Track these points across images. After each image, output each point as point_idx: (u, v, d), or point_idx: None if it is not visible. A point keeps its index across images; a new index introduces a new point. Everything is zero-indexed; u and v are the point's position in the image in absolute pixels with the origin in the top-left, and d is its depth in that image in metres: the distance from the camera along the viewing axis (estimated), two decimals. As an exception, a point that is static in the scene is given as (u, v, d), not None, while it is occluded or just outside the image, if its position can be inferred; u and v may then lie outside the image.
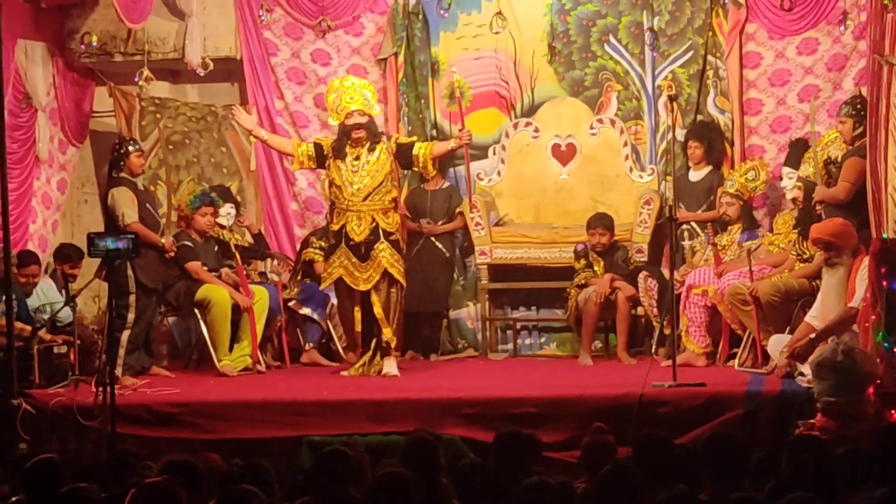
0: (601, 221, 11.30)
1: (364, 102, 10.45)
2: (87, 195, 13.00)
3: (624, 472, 5.50)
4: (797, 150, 10.93)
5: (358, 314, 10.59)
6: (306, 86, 12.46)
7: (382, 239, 10.41)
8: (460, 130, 10.72)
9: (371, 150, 10.46)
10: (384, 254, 10.40)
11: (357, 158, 10.44)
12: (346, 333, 11.05)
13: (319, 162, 10.65)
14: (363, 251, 10.41)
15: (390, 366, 10.46)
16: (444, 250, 11.88)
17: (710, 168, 11.56)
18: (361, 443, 8.08)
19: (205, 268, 11.12)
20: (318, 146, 10.66)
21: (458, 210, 11.88)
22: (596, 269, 11.30)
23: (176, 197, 11.91)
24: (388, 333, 10.46)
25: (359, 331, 10.65)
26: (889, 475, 5.69)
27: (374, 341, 10.56)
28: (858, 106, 10.16)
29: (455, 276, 12.14)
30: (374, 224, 10.40)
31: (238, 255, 11.34)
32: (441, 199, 11.92)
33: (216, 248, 11.41)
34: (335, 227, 10.54)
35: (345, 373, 10.69)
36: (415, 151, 10.54)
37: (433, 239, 11.84)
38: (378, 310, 10.44)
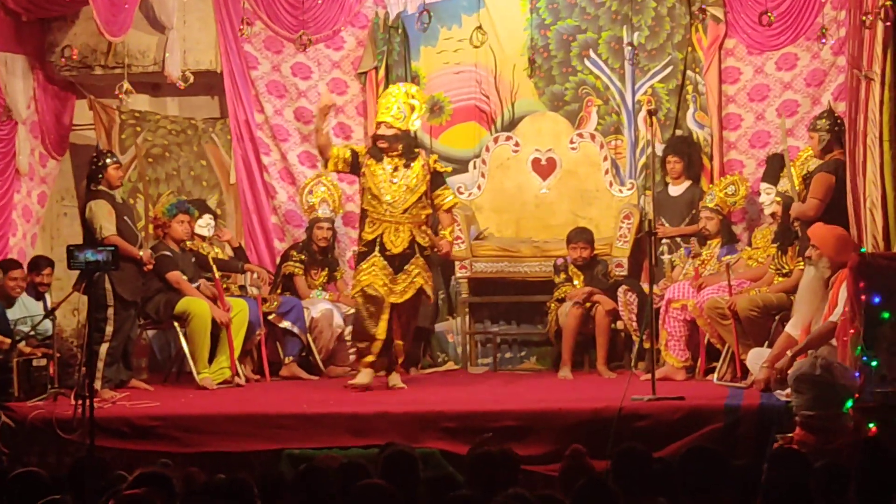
0: (582, 236, 11.33)
1: (395, 115, 10.33)
2: (66, 208, 12.99)
3: (599, 486, 5.51)
4: (774, 166, 10.97)
5: (384, 324, 10.37)
6: (286, 99, 12.47)
7: (418, 254, 10.36)
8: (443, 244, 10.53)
9: (407, 165, 10.33)
10: (419, 270, 10.36)
11: (395, 169, 10.33)
12: (359, 339, 10.64)
13: (354, 168, 10.49)
14: (398, 263, 10.33)
15: (397, 380, 10.48)
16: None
17: (689, 182, 11.60)
18: (341, 456, 8.07)
19: (184, 278, 11.10)
20: (354, 153, 10.52)
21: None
22: (576, 283, 11.32)
23: (153, 209, 11.91)
24: (399, 346, 10.48)
25: (381, 338, 10.40)
26: (868, 490, 5.72)
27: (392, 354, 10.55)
28: (825, 119, 10.14)
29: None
30: (411, 237, 10.32)
31: (215, 268, 11.33)
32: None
33: (193, 260, 11.39)
34: (369, 237, 10.37)
35: (351, 382, 10.51)
36: (438, 193, 10.44)
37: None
38: (403, 321, 10.47)
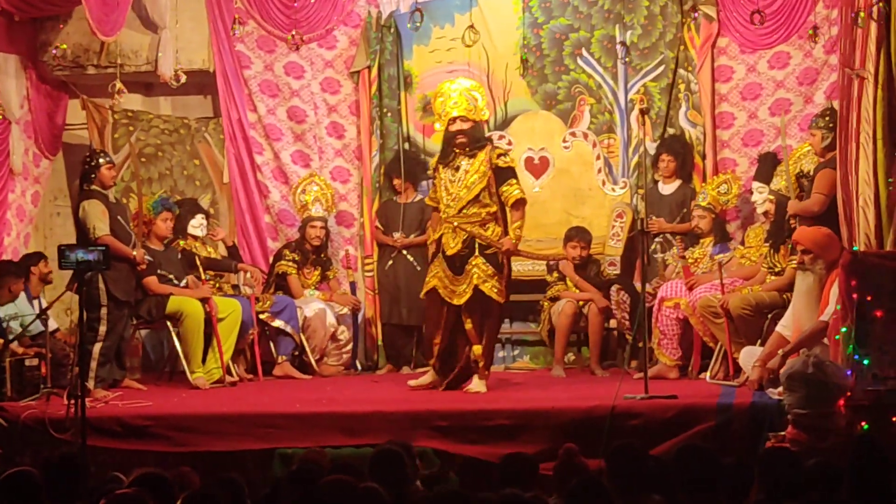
0: (582, 235, 11.34)
1: (468, 107, 10.15)
2: (59, 207, 12.98)
3: (594, 485, 5.51)
4: (767, 164, 10.99)
5: (443, 327, 10.21)
6: (279, 98, 12.47)
7: (478, 253, 10.02)
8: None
9: (471, 156, 10.09)
10: (478, 269, 10.01)
11: (457, 169, 10.11)
12: (426, 341, 10.60)
13: None
14: (458, 265, 10.06)
15: (477, 384, 10.17)
16: (415, 263, 11.88)
17: (680, 182, 11.61)
18: (333, 455, 8.07)
19: (170, 275, 11.10)
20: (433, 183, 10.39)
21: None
22: (568, 282, 11.32)
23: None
24: (477, 351, 10.15)
25: (437, 342, 10.27)
26: (861, 487, 5.73)
27: (462, 359, 10.27)
28: (828, 118, 10.21)
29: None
30: (468, 238, 10.02)
31: (202, 268, 11.32)
32: (413, 212, 11.93)
33: (179, 257, 11.38)
34: (435, 237, 10.30)
35: (413, 382, 10.46)
36: (503, 189, 10.05)
37: (405, 252, 11.85)
38: (469, 326, 10.13)
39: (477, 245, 10.01)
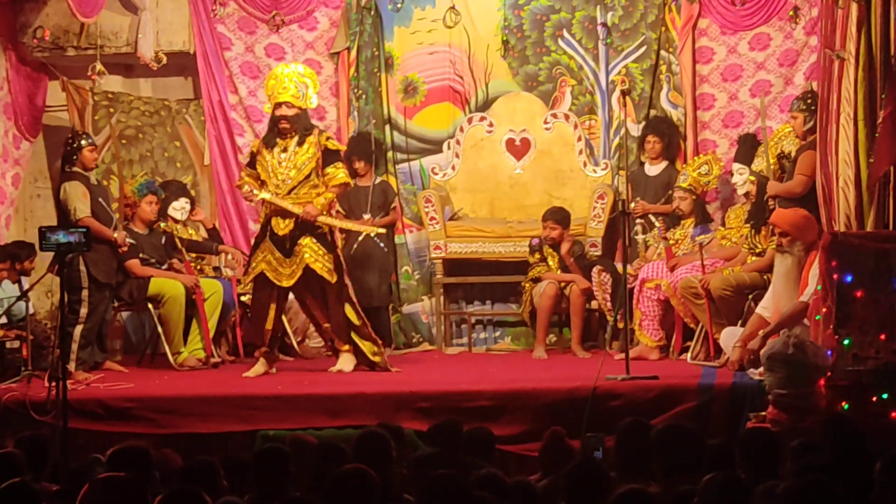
0: (553, 215, 11.33)
1: (294, 94, 10.23)
2: (39, 190, 12.94)
3: (592, 469, 5.53)
4: (746, 146, 11.02)
5: (272, 311, 10.33)
6: (260, 80, 12.40)
7: (307, 233, 10.17)
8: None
9: (300, 143, 10.22)
10: (308, 249, 10.15)
11: (284, 150, 10.22)
12: (255, 328, 10.61)
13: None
14: (287, 246, 10.18)
15: (342, 363, 10.36)
16: (382, 245, 11.86)
17: (666, 163, 11.63)
18: (316, 437, 8.08)
19: (152, 260, 11.09)
20: (251, 160, 10.47)
21: (392, 205, 11.91)
22: (550, 263, 11.33)
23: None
24: (326, 329, 10.43)
25: (269, 328, 10.35)
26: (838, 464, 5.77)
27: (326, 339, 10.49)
28: (809, 100, 10.25)
29: (408, 269, 12.17)
30: (297, 218, 10.14)
31: (184, 250, 11.31)
32: (377, 194, 11.88)
33: (163, 240, 11.37)
34: (262, 220, 10.35)
35: (248, 373, 10.37)
36: (329, 170, 10.23)
37: (372, 234, 11.78)
38: (309, 307, 10.38)
39: (306, 225, 10.13)
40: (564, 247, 11.26)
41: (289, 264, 10.18)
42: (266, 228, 10.29)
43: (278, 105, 10.22)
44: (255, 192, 10.14)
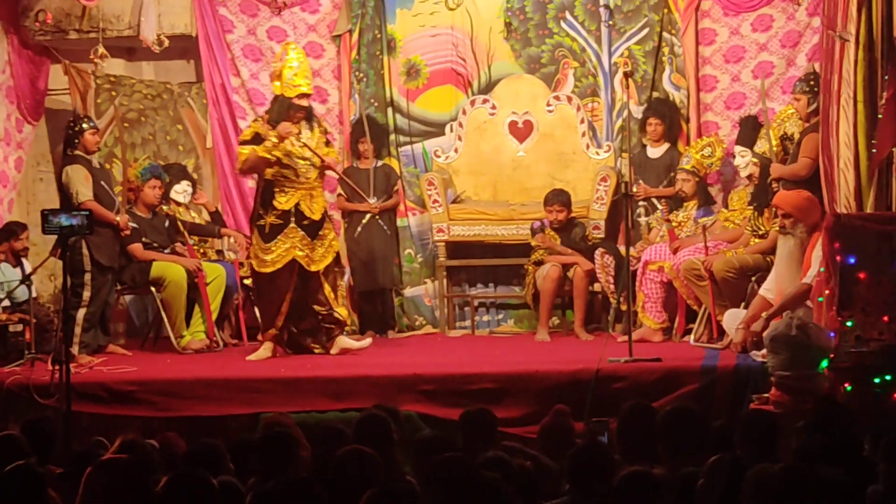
0: (558, 198, 11.32)
1: (311, 84, 10.46)
2: (42, 173, 12.93)
3: (597, 451, 5.53)
4: (748, 128, 11.00)
5: (288, 296, 10.37)
6: (262, 63, 12.41)
7: (327, 219, 10.47)
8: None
9: (311, 129, 10.40)
10: (332, 233, 10.49)
11: (299, 134, 10.31)
12: (267, 315, 10.57)
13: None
14: (315, 231, 10.31)
15: (349, 342, 10.48)
16: (386, 228, 11.84)
17: (668, 145, 11.61)
18: (319, 419, 8.10)
19: (155, 244, 11.09)
20: (253, 139, 10.42)
21: (395, 188, 11.89)
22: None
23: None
24: (343, 312, 10.55)
25: (284, 311, 10.41)
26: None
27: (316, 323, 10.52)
28: (812, 82, 10.24)
29: (411, 252, 12.17)
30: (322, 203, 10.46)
31: (186, 233, 11.32)
32: (380, 177, 11.86)
33: (167, 224, 11.37)
34: (286, 206, 10.30)
35: (251, 357, 10.45)
36: (325, 149, 10.50)
37: (376, 217, 11.78)
38: (328, 290, 10.41)
39: (325, 211, 10.48)
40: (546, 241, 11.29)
41: (319, 247, 10.32)
42: (288, 215, 10.28)
43: (301, 96, 10.32)
44: (293, 132, 10.24)
